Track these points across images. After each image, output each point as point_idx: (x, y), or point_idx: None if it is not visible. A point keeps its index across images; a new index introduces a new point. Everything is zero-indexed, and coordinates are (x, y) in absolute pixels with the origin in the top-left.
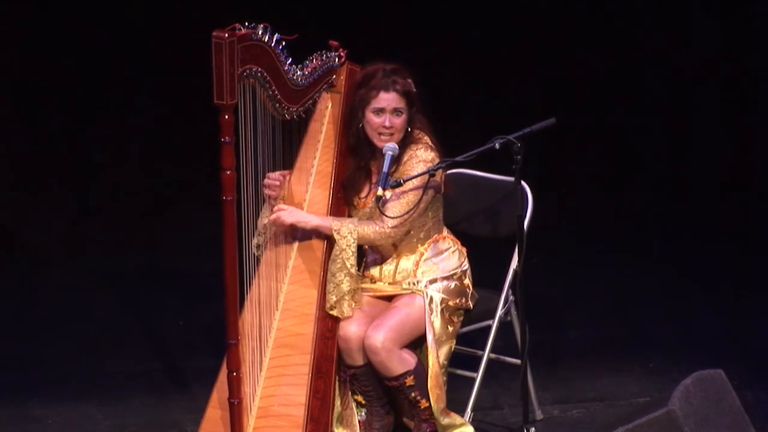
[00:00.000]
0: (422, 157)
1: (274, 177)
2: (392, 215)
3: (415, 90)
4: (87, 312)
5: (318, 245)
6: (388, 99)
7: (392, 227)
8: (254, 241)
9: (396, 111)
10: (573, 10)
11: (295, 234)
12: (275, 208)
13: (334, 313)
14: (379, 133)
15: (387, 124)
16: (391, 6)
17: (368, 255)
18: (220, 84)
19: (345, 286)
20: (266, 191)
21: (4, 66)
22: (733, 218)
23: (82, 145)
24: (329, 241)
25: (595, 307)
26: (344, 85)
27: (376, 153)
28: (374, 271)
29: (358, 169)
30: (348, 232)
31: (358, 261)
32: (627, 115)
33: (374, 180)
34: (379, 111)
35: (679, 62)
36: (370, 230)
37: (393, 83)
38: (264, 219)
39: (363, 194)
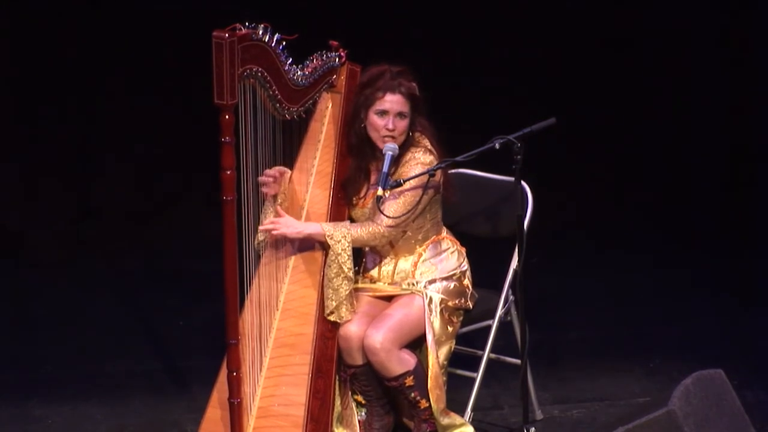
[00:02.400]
0: (420, 160)
1: (269, 173)
2: (390, 214)
3: (419, 93)
4: (87, 312)
5: (318, 245)
6: (393, 101)
7: (387, 226)
8: (257, 238)
9: (400, 114)
10: (573, 10)
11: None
12: (266, 221)
13: (333, 318)
14: (382, 135)
15: (390, 126)
16: (392, 6)
17: (367, 256)
18: (221, 84)
19: (343, 291)
20: (263, 189)
21: (5, 66)
22: (733, 218)
23: (82, 145)
24: (328, 255)
25: (595, 307)
26: (344, 85)
27: (377, 153)
28: (373, 271)
29: (358, 168)
30: (342, 236)
31: (355, 262)
32: (628, 114)
33: (373, 180)
34: (383, 113)
35: (680, 62)
36: (364, 232)
37: (399, 85)
38: (267, 216)
39: (362, 194)
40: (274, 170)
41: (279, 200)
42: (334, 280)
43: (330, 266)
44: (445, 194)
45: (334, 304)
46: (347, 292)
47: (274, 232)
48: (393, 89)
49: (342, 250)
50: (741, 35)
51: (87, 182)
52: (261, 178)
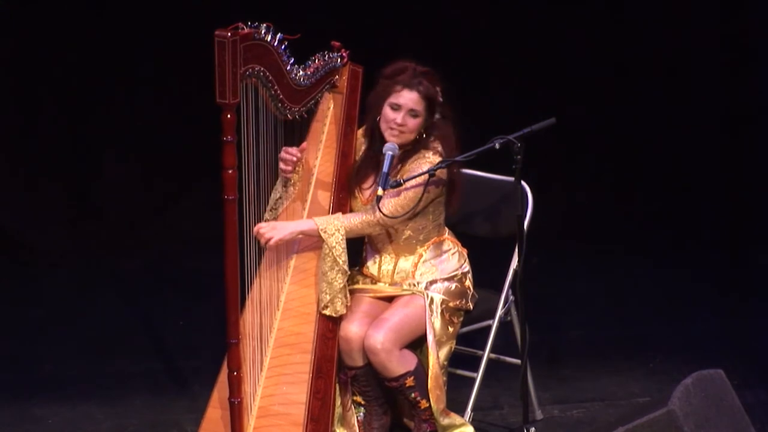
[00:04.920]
0: (429, 159)
1: (291, 152)
2: (388, 213)
3: (441, 100)
4: (87, 312)
5: (319, 245)
6: (408, 97)
7: (377, 219)
8: (265, 217)
9: (412, 111)
10: (573, 10)
11: None
12: (255, 228)
13: (328, 312)
14: (390, 128)
15: (399, 121)
16: (393, 6)
17: (366, 251)
18: (223, 83)
19: (338, 284)
20: (281, 165)
21: (4, 65)
22: (733, 218)
23: (82, 144)
24: (323, 248)
25: (595, 307)
26: (346, 85)
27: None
28: (373, 269)
29: (367, 157)
30: (335, 228)
31: (355, 259)
32: (628, 114)
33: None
34: (397, 107)
35: (680, 61)
36: (357, 221)
37: (419, 84)
38: (276, 194)
39: (366, 184)
40: (295, 150)
41: (293, 179)
42: (329, 273)
43: (324, 260)
44: (450, 199)
45: (328, 297)
46: (341, 285)
47: (268, 240)
48: (411, 86)
49: (336, 243)
50: (741, 34)
51: (87, 182)
52: (283, 155)
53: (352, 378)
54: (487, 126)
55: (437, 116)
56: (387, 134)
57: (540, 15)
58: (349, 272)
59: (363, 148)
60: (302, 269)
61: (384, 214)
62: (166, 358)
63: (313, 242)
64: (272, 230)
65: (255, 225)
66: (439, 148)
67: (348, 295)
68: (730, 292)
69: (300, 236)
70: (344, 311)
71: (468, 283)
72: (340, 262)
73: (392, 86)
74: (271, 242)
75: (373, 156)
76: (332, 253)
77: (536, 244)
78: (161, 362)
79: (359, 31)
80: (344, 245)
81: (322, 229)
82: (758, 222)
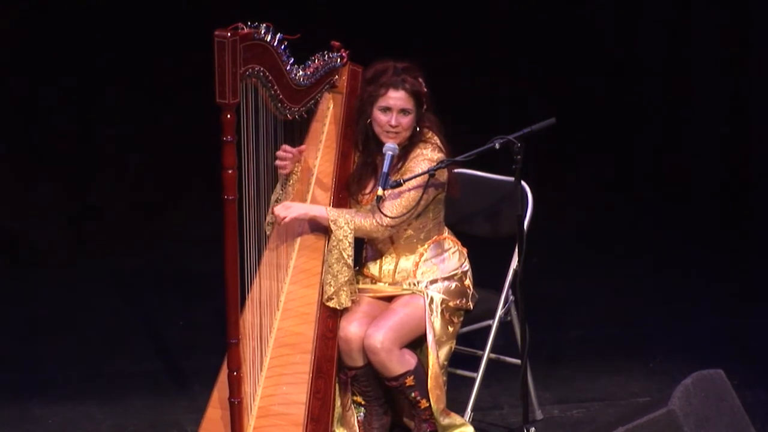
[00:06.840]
0: (428, 156)
1: (289, 150)
2: (390, 214)
3: (425, 90)
4: (87, 312)
5: (319, 245)
6: (396, 98)
7: (386, 226)
8: (267, 219)
9: (403, 111)
10: (573, 10)
11: (297, 234)
12: (272, 208)
13: (332, 304)
14: (386, 131)
15: (393, 123)
16: (393, 6)
17: (367, 251)
18: (223, 83)
19: (342, 277)
20: (278, 162)
21: (4, 65)
22: (733, 218)
23: (82, 144)
24: (330, 240)
25: (595, 307)
26: (346, 85)
27: (383, 149)
28: (373, 269)
29: (364, 165)
30: (345, 222)
31: (356, 259)
32: (628, 114)
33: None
34: (386, 109)
35: (680, 60)
36: (367, 222)
37: (402, 82)
38: (275, 195)
39: (367, 190)
40: (294, 149)
41: (291, 180)
42: (335, 265)
43: (331, 252)
44: (450, 191)
45: (332, 289)
46: (346, 278)
47: (283, 215)
48: (396, 85)
49: (344, 236)
50: (741, 34)
51: (87, 182)
52: (279, 153)
53: (352, 378)
54: (487, 126)
55: (425, 107)
56: (383, 138)
57: (540, 15)
58: (353, 267)
59: (357, 155)
60: (302, 269)
61: (386, 216)
62: (166, 358)
63: (315, 242)
64: (286, 209)
65: (255, 225)
66: (435, 139)
67: (356, 290)
68: (730, 292)
69: (309, 219)
70: (349, 304)
71: (468, 282)
72: (345, 256)
73: (377, 90)
74: (286, 220)
75: (370, 161)
76: (339, 246)
77: (536, 244)
78: (161, 362)
79: (359, 31)
80: (351, 240)
81: (332, 220)
82: (758, 222)
